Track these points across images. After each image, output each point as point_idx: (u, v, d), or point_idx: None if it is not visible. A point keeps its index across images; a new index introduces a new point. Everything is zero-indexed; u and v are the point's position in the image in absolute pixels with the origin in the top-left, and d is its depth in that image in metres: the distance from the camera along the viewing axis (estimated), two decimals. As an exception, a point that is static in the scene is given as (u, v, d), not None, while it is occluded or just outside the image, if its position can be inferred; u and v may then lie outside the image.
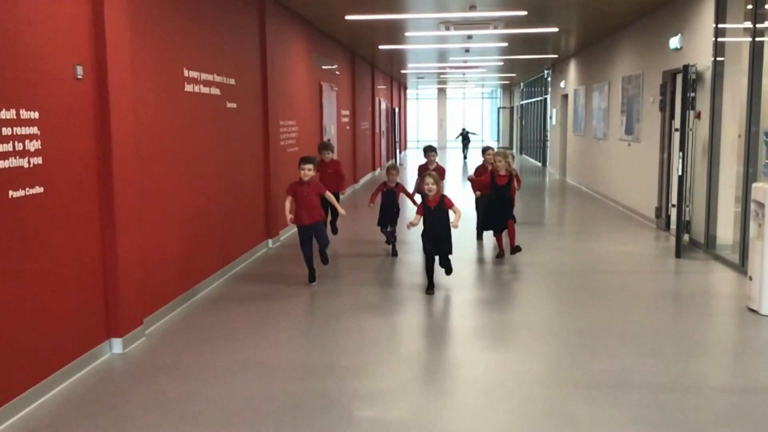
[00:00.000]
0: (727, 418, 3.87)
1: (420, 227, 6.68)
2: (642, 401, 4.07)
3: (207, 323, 5.68)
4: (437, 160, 8.99)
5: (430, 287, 6.54)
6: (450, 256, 6.69)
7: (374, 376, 4.52)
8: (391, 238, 8.42)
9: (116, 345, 4.94)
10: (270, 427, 3.77)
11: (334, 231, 9.08)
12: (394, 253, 8.29)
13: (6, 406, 3.82)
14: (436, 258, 6.65)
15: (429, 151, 8.99)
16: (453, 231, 6.59)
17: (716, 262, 7.93)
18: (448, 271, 6.75)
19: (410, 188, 8.72)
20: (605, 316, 5.86)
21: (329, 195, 7.06)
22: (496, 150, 8.53)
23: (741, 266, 7.19)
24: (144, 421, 3.85)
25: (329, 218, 8.59)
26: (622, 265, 7.84)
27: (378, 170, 20.47)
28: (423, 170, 8.61)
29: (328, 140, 13.02)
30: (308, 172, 6.75)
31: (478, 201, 9.12)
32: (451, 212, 6.59)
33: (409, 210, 9.91)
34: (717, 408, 4.00)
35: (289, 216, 6.78)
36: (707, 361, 4.82)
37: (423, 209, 6.57)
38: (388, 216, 8.40)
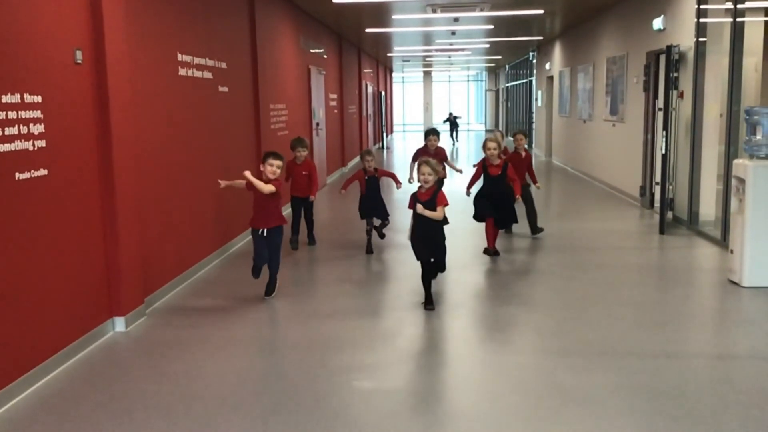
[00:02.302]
0: (709, 382, 4.07)
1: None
2: (628, 368, 4.25)
3: (206, 301, 5.81)
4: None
5: (428, 302, 5.53)
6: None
7: (370, 350, 4.68)
8: (381, 234, 7.87)
9: (119, 323, 5.06)
10: (273, 396, 3.92)
11: (312, 241, 8.01)
12: (381, 235, 7.90)
13: (12, 384, 3.94)
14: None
15: (430, 134, 8.23)
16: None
17: (699, 237, 8.15)
18: (441, 270, 5.77)
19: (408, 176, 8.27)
20: (592, 289, 6.05)
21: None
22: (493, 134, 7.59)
23: (723, 241, 7.41)
24: (148, 394, 3.98)
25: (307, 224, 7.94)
26: (608, 242, 8.03)
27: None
28: (421, 154, 8.08)
29: (317, 128, 13.00)
30: (276, 170, 5.69)
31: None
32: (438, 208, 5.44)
33: (394, 195, 9.71)
34: (699, 374, 4.20)
35: (224, 182, 5.85)
36: (690, 330, 5.02)
37: (412, 202, 5.50)
38: (373, 207, 7.59)
